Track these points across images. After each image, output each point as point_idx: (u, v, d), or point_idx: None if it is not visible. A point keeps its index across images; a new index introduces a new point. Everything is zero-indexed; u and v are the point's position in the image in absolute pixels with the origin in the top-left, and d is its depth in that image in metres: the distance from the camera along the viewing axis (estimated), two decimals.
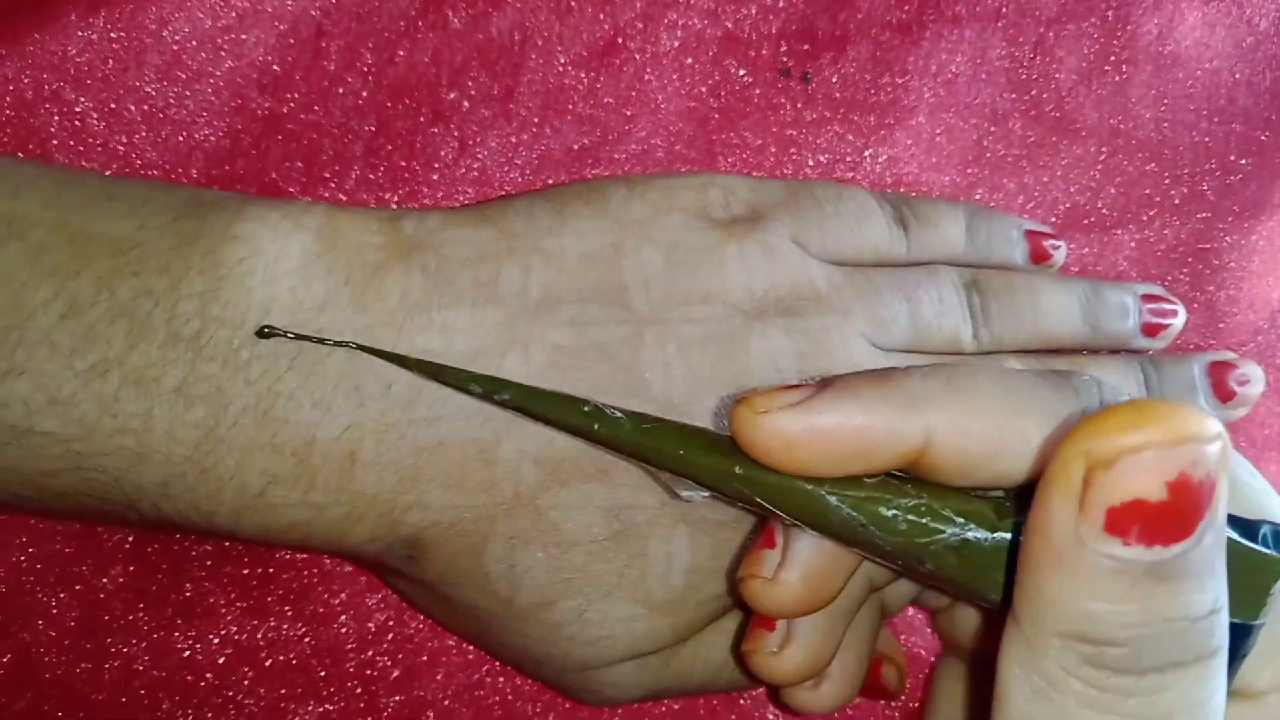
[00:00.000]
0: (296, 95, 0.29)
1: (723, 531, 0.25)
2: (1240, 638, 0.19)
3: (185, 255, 0.23)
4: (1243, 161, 0.34)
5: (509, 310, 0.24)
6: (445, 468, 0.24)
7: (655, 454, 0.22)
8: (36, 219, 0.23)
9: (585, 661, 0.26)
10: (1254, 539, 0.19)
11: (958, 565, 0.20)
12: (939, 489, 0.21)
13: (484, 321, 0.24)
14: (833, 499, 0.21)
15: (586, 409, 0.23)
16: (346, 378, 0.23)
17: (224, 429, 0.22)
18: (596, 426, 0.23)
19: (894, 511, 0.21)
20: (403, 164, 0.30)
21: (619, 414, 0.23)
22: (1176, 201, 0.33)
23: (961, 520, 0.20)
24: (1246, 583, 0.19)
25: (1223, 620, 0.17)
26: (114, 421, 0.22)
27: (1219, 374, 0.30)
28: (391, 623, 0.29)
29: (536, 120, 0.31)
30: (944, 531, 0.20)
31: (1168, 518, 0.16)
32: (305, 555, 0.29)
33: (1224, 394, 0.29)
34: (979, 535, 0.20)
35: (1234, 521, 0.19)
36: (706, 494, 0.23)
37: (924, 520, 0.20)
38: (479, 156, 0.30)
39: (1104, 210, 0.33)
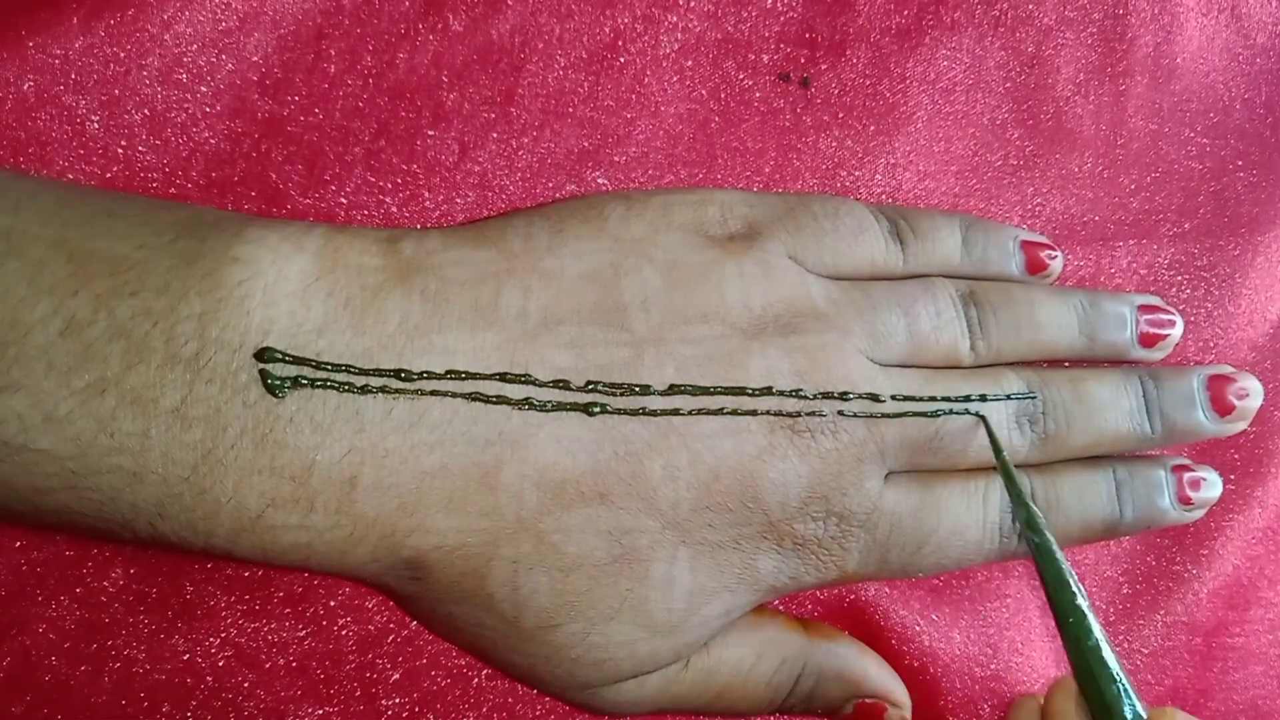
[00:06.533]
0: (297, 98, 0.29)
1: (723, 552, 0.25)
2: None
3: (184, 276, 0.23)
4: (1239, 176, 0.34)
5: (509, 333, 0.24)
6: (447, 492, 0.24)
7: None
8: (36, 235, 0.22)
9: (589, 681, 0.26)
10: None
11: None
12: None
13: (484, 345, 0.24)
14: None
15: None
16: (347, 401, 0.23)
17: (222, 451, 0.22)
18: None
19: None
20: (403, 166, 0.30)
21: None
22: (1173, 215, 0.34)
23: None
24: None
25: None
26: (110, 441, 0.22)
27: (1218, 387, 0.30)
28: (392, 625, 0.29)
29: (537, 123, 0.31)
30: None
31: None
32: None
33: (1223, 408, 0.30)
34: None
35: None
36: None
37: None
38: (479, 159, 0.30)
39: (1101, 222, 0.33)
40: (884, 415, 0.26)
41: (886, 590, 0.31)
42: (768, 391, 0.25)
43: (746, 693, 0.28)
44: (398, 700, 0.29)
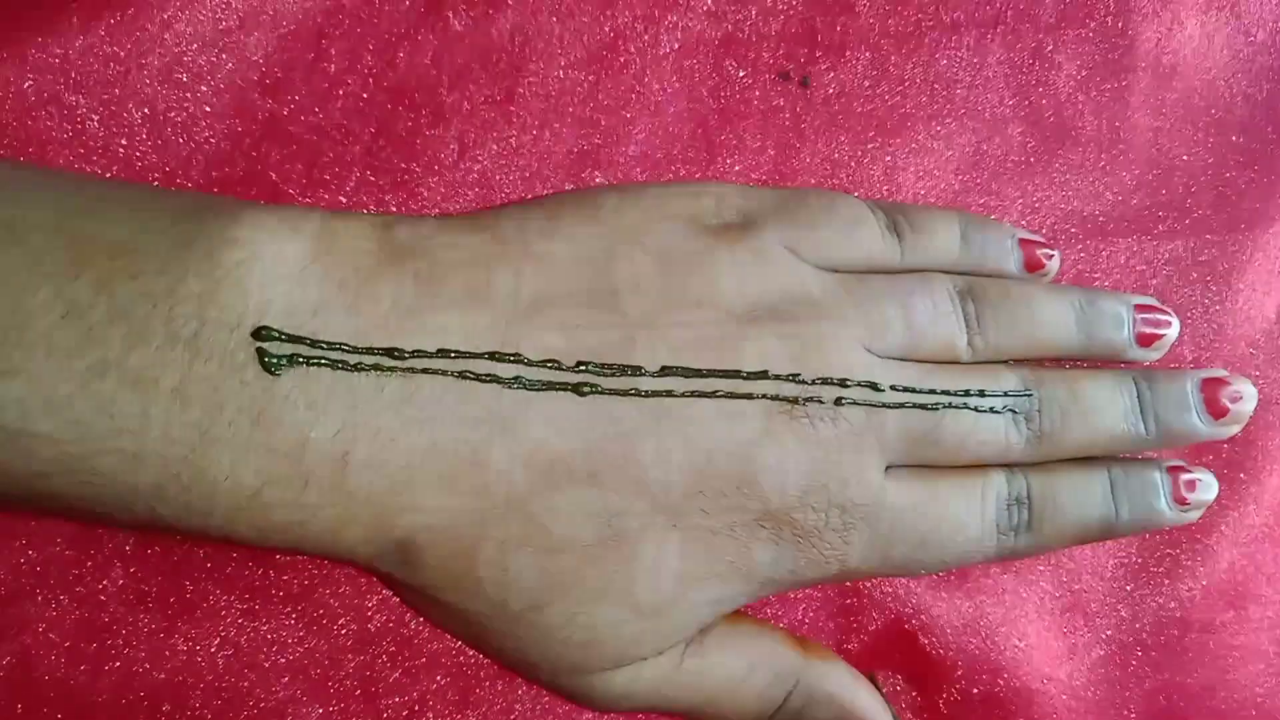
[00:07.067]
0: (297, 97, 0.29)
1: (716, 539, 0.25)
2: None
3: (183, 258, 0.23)
4: (1240, 173, 0.34)
5: (500, 313, 0.24)
6: (437, 471, 0.24)
7: None
8: (36, 222, 0.23)
9: (576, 665, 0.26)
10: None
11: None
12: None
13: (475, 324, 0.24)
14: None
15: None
16: (341, 379, 0.23)
17: (219, 429, 0.22)
18: None
19: None
20: (403, 166, 0.30)
21: None
22: (1173, 212, 0.34)
23: None
24: None
25: None
26: (111, 423, 0.22)
27: (1212, 391, 0.30)
28: (391, 624, 0.29)
29: (537, 123, 0.31)
30: None
31: None
32: (305, 557, 0.29)
33: (1217, 411, 0.30)
34: None
35: None
36: None
37: None
38: (479, 159, 0.30)
39: (1101, 219, 0.33)
40: (884, 405, 0.26)
41: (885, 588, 0.31)
42: (763, 375, 0.25)
43: (736, 703, 0.28)
44: (397, 700, 0.29)
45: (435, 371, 0.24)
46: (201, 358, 0.22)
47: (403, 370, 0.24)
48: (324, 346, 0.23)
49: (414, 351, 0.24)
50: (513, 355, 0.24)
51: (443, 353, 0.24)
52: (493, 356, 0.24)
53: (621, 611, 0.25)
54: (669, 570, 0.25)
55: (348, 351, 0.23)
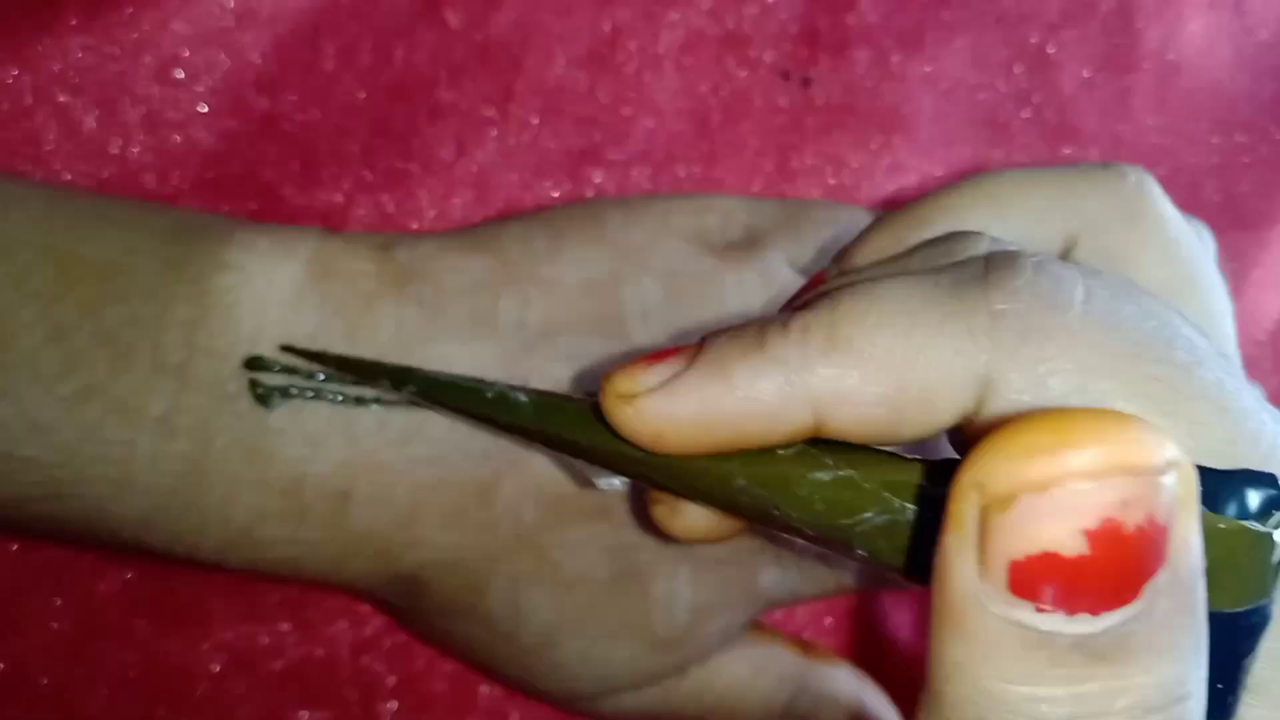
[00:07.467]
0: (293, 96, 0.29)
1: (724, 568, 0.25)
2: (1244, 628, 0.14)
3: (172, 282, 0.22)
4: (1244, 173, 0.34)
5: (507, 344, 0.24)
6: (443, 507, 0.23)
7: (557, 438, 0.20)
8: (23, 239, 0.22)
9: (591, 692, 0.26)
10: (1232, 503, 0.14)
11: (890, 549, 0.16)
12: (868, 454, 0.16)
13: (481, 355, 0.24)
14: (739, 480, 0.17)
15: (491, 395, 0.20)
16: (339, 413, 0.23)
17: (209, 462, 0.22)
18: (503, 415, 0.20)
19: (808, 490, 0.16)
20: (400, 165, 0.30)
21: (522, 397, 0.20)
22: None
23: (888, 496, 0.16)
24: (1234, 564, 0.14)
25: (1194, 709, 0.13)
26: (96, 449, 0.21)
27: None
28: (388, 628, 0.29)
29: (535, 121, 0.30)
30: (868, 511, 0.16)
31: (1092, 578, 0.12)
32: None
33: None
34: (909, 514, 0.16)
35: (1204, 475, 0.14)
36: (619, 482, 0.21)
37: (845, 497, 0.16)
38: (477, 157, 0.30)
39: None
40: None
41: (884, 592, 0.31)
42: None
43: (741, 707, 0.28)
44: (394, 704, 0.29)
45: None
46: (190, 387, 0.22)
47: (406, 404, 0.23)
48: (321, 378, 0.23)
49: None
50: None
51: None
52: None
53: (637, 647, 0.25)
54: (683, 603, 0.25)
55: (347, 384, 0.23)
